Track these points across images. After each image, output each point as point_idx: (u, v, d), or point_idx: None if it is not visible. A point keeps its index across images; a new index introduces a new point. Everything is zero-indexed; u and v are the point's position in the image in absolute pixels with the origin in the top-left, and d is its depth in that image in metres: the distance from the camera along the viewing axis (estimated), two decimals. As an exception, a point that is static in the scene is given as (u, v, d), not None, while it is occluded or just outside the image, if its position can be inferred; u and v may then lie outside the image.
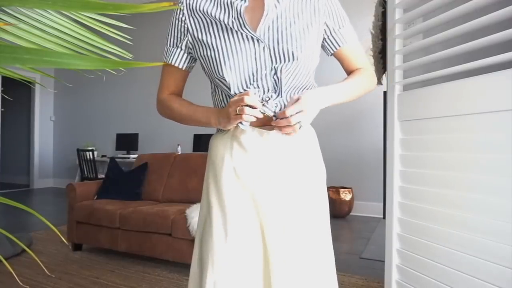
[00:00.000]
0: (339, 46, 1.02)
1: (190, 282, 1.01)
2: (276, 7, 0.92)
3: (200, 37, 0.95)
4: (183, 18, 0.97)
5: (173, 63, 1.01)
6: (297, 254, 0.92)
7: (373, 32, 1.80)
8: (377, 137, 4.60)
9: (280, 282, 0.89)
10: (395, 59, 1.46)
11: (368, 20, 1.98)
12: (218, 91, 0.99)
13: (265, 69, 0.90)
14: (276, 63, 0.90)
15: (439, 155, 1.26)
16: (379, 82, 1.85)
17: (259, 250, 0.92)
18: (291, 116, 0.85)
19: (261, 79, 0.90)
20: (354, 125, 4.80)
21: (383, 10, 1.68)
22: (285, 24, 0.91)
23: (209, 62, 0.93)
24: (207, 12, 0.94)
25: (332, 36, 1.01)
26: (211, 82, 1.02)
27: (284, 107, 0.92)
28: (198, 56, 0.98)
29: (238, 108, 0.84)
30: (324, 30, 0.99)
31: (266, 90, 0.91)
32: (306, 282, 0.92)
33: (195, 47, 0.97)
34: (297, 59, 0.90)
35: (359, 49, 1.05)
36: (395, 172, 1.45)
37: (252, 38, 0.90)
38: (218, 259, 0.91)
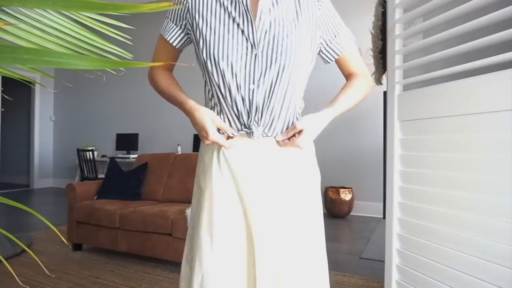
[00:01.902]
0: (337, 55, 1.02)
1: (181, 281, 1.02)
2: (270, 11, 0.91)
3: (199, 21, 0.94)
4: None
5: (168, 39, 1.02)
6: (284, 256, 0.91)
7: (373, 32, 1.80)
8: (377, 137, 4.60)
9: (264, 284, 0.89)
10: (395, 59, 1.46)
11: (368, 20, 1.99)
12: (210, 91, 0.98)
13: (253, 83, 0.89)
14: (267, 70, 0.89)
15: (439, 155, 1.26)
16: (379, 82, 1.85)
17: (243, 251, 0.92)
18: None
19: (251, 91, 0.90)
20: (354, 125, 4.80)
21: (383, 10, 1.68)
22: (281, 34, 0.90)
23: (205, 47, 0.92)
24: None
25: (329, 47, 1.01)
26: (205, 83, 1.00)
27: (275, 121, 0.93)
28: (195, 42, 0.97)
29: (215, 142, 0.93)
30: (321, 42, 0.99)
31: (254, 103, 0.90)
32: (295, 284, 0.91)
33: (193, 29, 0.96)
34: (289, 68, 0.90)
35: (355, 53, 1.05)
36: (395, 172, 1.45)
37: (247, 40, 0.89)
38: (205, 258, 0.91)
